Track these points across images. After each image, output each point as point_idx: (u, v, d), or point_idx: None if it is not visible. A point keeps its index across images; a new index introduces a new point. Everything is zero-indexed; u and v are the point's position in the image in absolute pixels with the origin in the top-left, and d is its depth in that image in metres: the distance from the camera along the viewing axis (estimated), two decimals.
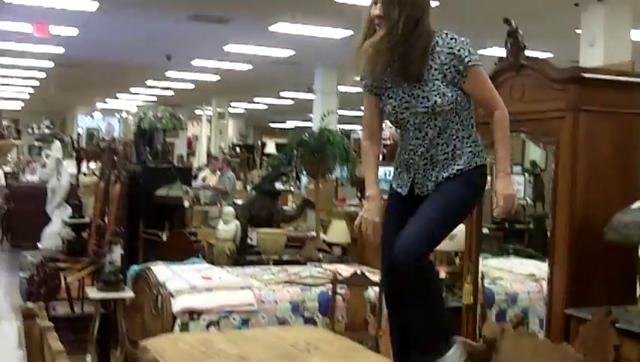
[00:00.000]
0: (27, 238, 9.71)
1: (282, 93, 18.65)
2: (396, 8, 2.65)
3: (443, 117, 2.70)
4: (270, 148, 21.30)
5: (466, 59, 2.66)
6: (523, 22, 4.04)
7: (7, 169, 16.61)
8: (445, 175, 2.72)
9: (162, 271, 4.82)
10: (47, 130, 16.91)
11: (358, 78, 2.94)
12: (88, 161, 10.79)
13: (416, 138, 2.75)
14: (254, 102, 21.53)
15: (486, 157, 2.83)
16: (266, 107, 22.29)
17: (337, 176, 10.45)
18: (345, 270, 5.28)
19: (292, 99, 19.32)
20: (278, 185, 11.73)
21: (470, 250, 4.36)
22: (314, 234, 7.08)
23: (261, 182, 7.68)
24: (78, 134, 20.09)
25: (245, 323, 4.47)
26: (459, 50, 2.67)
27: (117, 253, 4.58)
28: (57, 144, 9.46)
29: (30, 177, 12.74)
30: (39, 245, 8.54)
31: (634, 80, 3.78)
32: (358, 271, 4.87)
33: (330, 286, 4.75)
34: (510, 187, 2.75)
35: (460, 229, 4.33)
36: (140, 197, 6.93)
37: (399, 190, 2.83)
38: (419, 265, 2.66)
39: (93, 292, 4.60)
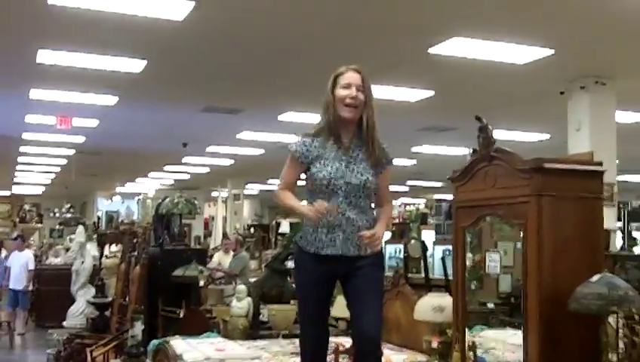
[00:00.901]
0: (52, 318, 10.23)
1: None
2: (371, 97, 3.32)
3: (367, 193, 3.29)
4: (284, 227, 21.79)
5: (389, 157, 3.35)
6: (519, 107, 4.64)
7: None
8: (369, 252, 3.29)
9: (179, 345, 5.30)
10: (68, 214, 17.62)
11: (292, 148, 3.40)
12: (110, 244, 11.37)
13: (347, 203, 3.27)
14: (268, 184, 22.20)
15: None
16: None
17: None
18: (347, 342, 5.71)
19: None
20: (290, 264, 12.21)
21: (457, 322, 4.83)
22: None
23: (272, 261, 8.17)
24: (98, 217, 20.76)
25: None
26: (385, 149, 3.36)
27: (138, 328, 5.08)
28: (80, 228, 10.07)
29: (54, 259, 13.30)
30: (64, 324, 9.04)
31: (590, 168, 4.31)
32: None
33: (334, 355, 5.19)
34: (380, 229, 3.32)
35: (449, 303, 4.84)
36: (159, 278, 7.43)
37: (325, 251, 3.25)
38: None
39: None
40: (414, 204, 16.33)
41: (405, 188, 20.46)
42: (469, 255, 6.54)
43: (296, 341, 6.08)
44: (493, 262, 5.05)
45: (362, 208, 3.29)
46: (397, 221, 16.37)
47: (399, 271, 7.87)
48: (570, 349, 4.03)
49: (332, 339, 6.08)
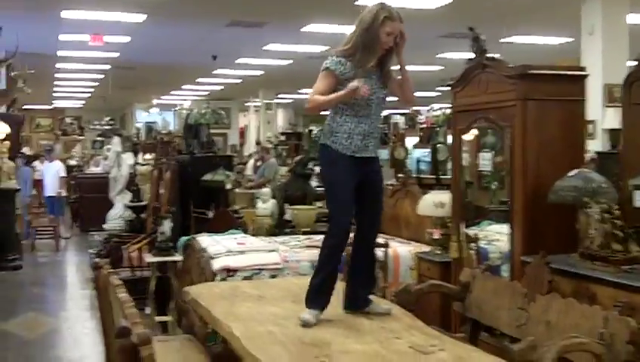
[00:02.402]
0: (94, 223, 10.95)
1: None
2: None
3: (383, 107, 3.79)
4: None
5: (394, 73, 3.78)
6: (538, 13, 4.84)
7: (73, 162, 18.01)
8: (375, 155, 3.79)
9: (205, 240, 5.87)
10: (108, 127, 18.27)
11: (329, 65, 3.68)
12: (145, 153, 11.97)
13: (376, 115, 3.72)
14: (300, 93, 22.54)
15: None
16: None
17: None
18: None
19: None
20: (318, 169, 12.69)
21: (455, 216, 5.30)
22: None
23: (295, 166, 8.69)
24: (138, 128, 21.40)
25: (273, 278, 5.47)
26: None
27: (167, 226, 5.64)
28: (116, 139, 10.65)
29: (94, 169, 13.98)
30: (104, 226, 9.74)
31: (572, 73, 4.64)
32: None
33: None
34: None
35: (449, 199, 5.31)
36: (189, 182, 8.03)
37: (360, 154, 3.68)
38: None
39: (149, 258, 5.68)
40: (441, 109, 16.49)
41: (434, 94, 20.63)
42: (488, 156, 6.93)
43: (314, 236, 6.65)
44: (485, 160, 5.43)
45: (380, 120, 3.84)
46: (424, 126, 16.60)
47: (407, 173, 8.33)
48: (550, 238, 4.46)
49: None
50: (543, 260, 4.15)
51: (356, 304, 3.74)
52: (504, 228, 6.48)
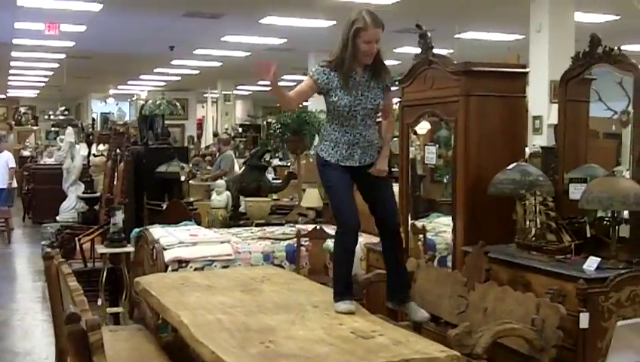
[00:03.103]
0: (47, 214, 10.88)
1: (284, 76, 19.66)
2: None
3: (377, 113, 3.87)
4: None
5: (393, 79, 3.90)
6: (490, 10, 4.95)
7: (27, 153, 17.81)
8: (375, 157, 3.89)
9: (158, 231, 5.94)
10: (62, 117, 18.08)
11: (313, 75, 3.81)
12: (99, 144, 11.93)
13: (363, 125, 3.80)
14: (258, 85, 22.56)
15: None
16: (269, 89, 23.31)
17: None
18: (310, 227, 6.37)
19: (292, 81, 20.35)
20: (277, 162, 12.79)
21: (402, 208, 5.46)
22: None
23: (250, 158, 8.78)
24: (93, 119, 21.23)
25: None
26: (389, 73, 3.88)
27: (119, 217, 5.70)
28: (70, 130, 10.61)
29: (48, 160, 13.87)
30: (58, 218, 9.72)
31: (513, 70, 4.83)
32: (318, 227, 5.96)
33: (296, 239, 5.85)
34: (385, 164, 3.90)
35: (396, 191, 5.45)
36: (144, 174, 8.06)
37: (344, 163, 3.81)
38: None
39: (101, 249, 5.74)
40: (395, 103, 16.69)
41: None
42: (433, 149, 7.09)
43: (267, 228, 6.76)
44: (431, 153, 5.60)
45: (373, 125, 3.89)
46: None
47: None
48: (490, 229, 4.62)
49: (300, 226, 6.76)
50: (481, 250, 4.33)
51: (395, 300, 3.99)
52: (450, 219, 6.72)
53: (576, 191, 4.17)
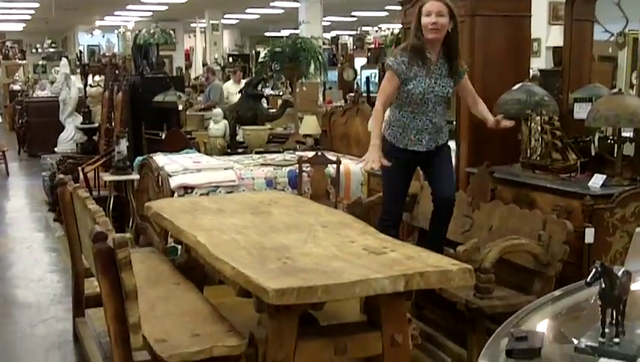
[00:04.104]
0: (43, 148, 10.85)
1: (273, 3, 19.38)
2: (450, 21, 3.87)
3: (447, 101, 4.00)
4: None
5: (465, 68, 4.00)
6: None
7: (17, 87, 17.62)
8: (442, 141, 4.04)
9: (161, 159, 5.97)
10: (51, 49, 17.83)
11: (392, 65, 3.91)
12: (93, 75, 11.83)
13: (433, 111, 3.92)
14: (247, 13, 22.23)
15: None
16: (258, 16, 22.99)
17: (325, 80, 11.54)
18: (311, 154, 6.41)
19: (282, 8, 20.05)
20: (269, 91, 12.77)
21: None
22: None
23: (245, 86, 8.73)
24: (80, 51, 20.93)
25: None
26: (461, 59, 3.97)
27: (123, 145, 5.72)
28: (64, 61, 10.49)
29: (40, 93, 13.75)
30: (56, 150, 9.71)
31: None
32: (319, 153, 6.00)
33: (298, 164, 5.89)
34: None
35: None
36: (141, 104, 8.03)
37: (412, 148, 3.96)
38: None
39: (107, 177, 5.77)
40: (389, 29, 16.55)
41: (383, 14, 20.61)
42: None
43: (267, 155, 6.80)
44: None
45: (443, 113, 4.03)
46: (372, 46, 16.67)
47: (358, 91, 8.48)
48: (494, 150, 4.67)
49: (299, 153, 6.81)
50: (487, 170, 4.40)
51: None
52: (452, 144, 6.78)
53: (581, 111, 4.21)
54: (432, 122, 3.94)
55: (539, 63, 7.95)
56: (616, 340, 1.62)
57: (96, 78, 10.36)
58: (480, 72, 4.71)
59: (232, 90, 11.83)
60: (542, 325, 1.92)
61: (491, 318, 3.51)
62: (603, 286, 1.60)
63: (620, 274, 1.62)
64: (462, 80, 4.00)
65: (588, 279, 1.59)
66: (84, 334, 4.03)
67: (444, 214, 4.07)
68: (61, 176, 4.05)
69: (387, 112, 4.09)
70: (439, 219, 4.10)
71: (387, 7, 19.39)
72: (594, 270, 1.58)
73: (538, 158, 4.21)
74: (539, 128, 4.24)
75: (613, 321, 1.63)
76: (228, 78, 15.51)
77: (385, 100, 3.95)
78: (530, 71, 6.89)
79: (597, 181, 3.85)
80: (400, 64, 3.88)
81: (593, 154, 4.21)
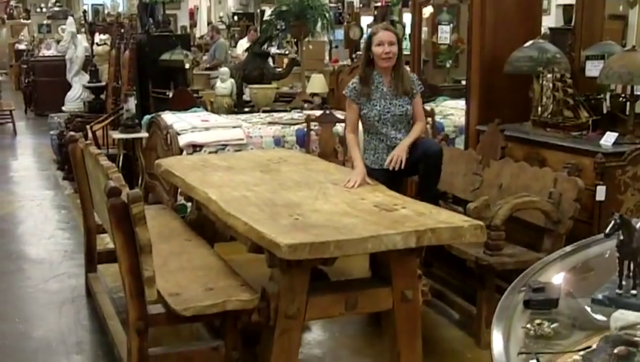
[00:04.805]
0: (49, 106, 10.84)
1: None
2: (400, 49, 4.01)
3: (408, 119, 4.03)
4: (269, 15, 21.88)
5: (418, 86, 4.05)
6: None
7: (22, 46, 17.52)
8: None
9: (169, 117, 5.96)
10: (56, 8, 17.68)
11: (347, 94, 4.05)
12: (99, 34, 11.75)
13: (396, 130, 4.00)
14: None
15: None
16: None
17: (332, 39, 11.45)
18: (318, 112, 6.38)
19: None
20: (275, 50, 12.68)
21: None
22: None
23: (252, 45, 8.68)
24: (85, 11, 20.76)
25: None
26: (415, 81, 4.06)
27: (132, 103, 5.70)
28: (71, 19, 10.41)
29: (46, 52, 13.67)
30: (63, 108, 9.69)
31: None
32: (327, 112, 5.98)
33: (306, 123, 5.88)
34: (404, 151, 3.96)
35: None
36: (147, 62, 7.98)
37: (385, 166, 3.96)
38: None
39: (116, 135, 5.77)
40: None
41: None
42: (447, 28, 7.03)
43: (274, 114, 6.78)
44: (444, 33, 5.57)
45: (406, 130, 4.07)
46: (379, 4, 16.45)
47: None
48: (505, 108, 4.67)
49: (306, 112, 6.78)
50: (497, 128, 4.39)
51: None
52: (459, 103, 6.74)
53: (592, 68, 4.18)
54: (398, 139, 4.03)
55: (549, 21, 7.88)
56: (634, 292, 1.63)
57: (102, 36, 10.28)
58: (491, 30, 4.68)
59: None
60: (557, 278, 1.92)
61: (500, 275, 3.53)
62: (621, 238, 1.60)
63: (638, 226, 1.62)
64: (415, 99, 4.08)
65: (607, 231, 1.59)
66: (97, 289, 4.06)
67: (431, 162, 4.06)
68: (72, 133, 4.05)
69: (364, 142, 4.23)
70: (427, 174, 4.10)
71: None
72: (612, 222, 1.58)
73: (549, 116, 4.20)
74: (550, 85, 4.21)
75: (631, 273, 1.64)
76: (232, 37, 15.42)
77: (351, 127, 4.12)
78: (542, 29, 6.86)
79: (609, 139, 3.84)
80: (352, 91, 4.05)
81: (605, 112, 4.19)
